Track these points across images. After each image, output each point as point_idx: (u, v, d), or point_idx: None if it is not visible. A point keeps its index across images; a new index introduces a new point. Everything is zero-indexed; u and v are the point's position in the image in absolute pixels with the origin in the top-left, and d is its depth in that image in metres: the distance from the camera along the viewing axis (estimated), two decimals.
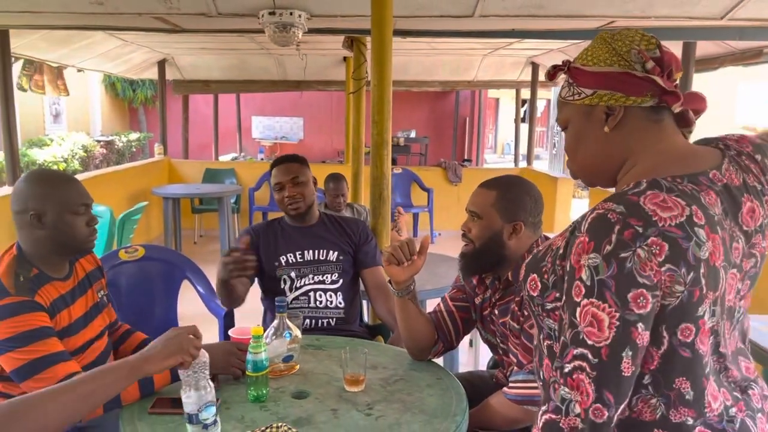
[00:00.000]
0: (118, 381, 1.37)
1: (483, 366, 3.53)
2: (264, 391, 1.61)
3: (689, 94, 1.07)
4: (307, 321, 2.35)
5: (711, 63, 5.07)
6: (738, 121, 17.90)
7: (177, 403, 1.58)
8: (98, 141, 11.19)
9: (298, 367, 1.81)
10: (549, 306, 1.05)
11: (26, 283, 1.62)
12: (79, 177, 6.38)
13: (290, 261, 2.41)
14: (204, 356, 1.45)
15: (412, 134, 12.42)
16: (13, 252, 1.69)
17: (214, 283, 2.36)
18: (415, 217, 7.85)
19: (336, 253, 2.44)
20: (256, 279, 2.47)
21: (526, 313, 1.69)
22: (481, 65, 7.80)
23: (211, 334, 2.71)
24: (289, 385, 1.71)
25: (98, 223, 1.83)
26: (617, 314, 0.92)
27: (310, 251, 2.43)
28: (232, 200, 7.33)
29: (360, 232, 2.53)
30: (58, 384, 1.34)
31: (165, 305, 2.80)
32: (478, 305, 1.91)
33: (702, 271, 0.93)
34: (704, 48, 4.87)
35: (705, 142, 1.12)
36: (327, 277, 2.42)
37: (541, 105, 17.31)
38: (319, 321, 2.37)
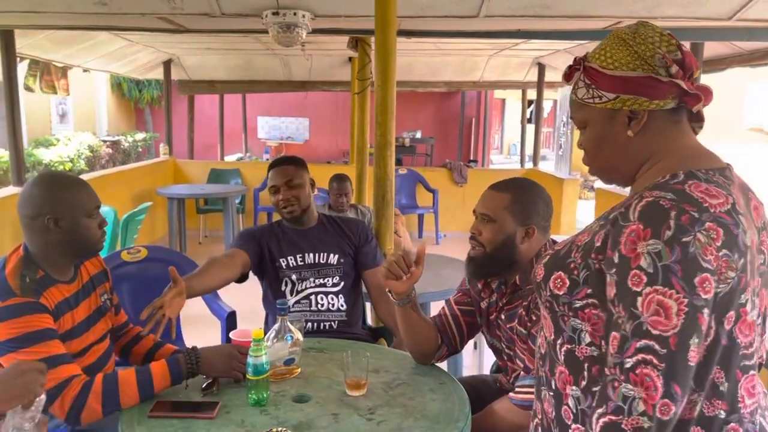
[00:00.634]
0: None
1: (487, 369, 3.52)
2: (264, 395, 1.60)
3: (701, 89, 1.07)
4: (309, 324, 2.33)
5: (719, 64, 5.03)
6: (746, 122, 17.75)
7: (177, 406, 1.58)
8: (104, 141, 11.20)
9: (299, 370, 1.79)
10: (578, 304, 1.04)
11: (32, 284, 1.61)
12: (83, 177, 6.40)
13: (291, 264, 2.39)
14: (42, 399, 1.28)
15: (418, 135, 12.39)
16: (20, 253, 1.69)
17: None
18: (420, 218, 7.82)
19: (336, 255, 2.42)
20: (258, 281, 2.45)
21: (534, 318, 1.66)
22: (487, 66, 7.77)
23: (213, 335, 2.70)
24: (290, 388, 1.69)
25: (107, 224, 1.82)
26: (685, 300, 0.90)
27: (311, 254, 2.41)
28: (237, 201, 7.32)
29: (360, 232, 2.50)
30: None
31: None
32: (484, 309, 1.88)
33: (748, 257, 0.95)
34: (712, 48, 4.83)
35: None
36: (328, 280, 2.40)
37: (547, 106, 17.24)
38: (321, 324, 2.35)
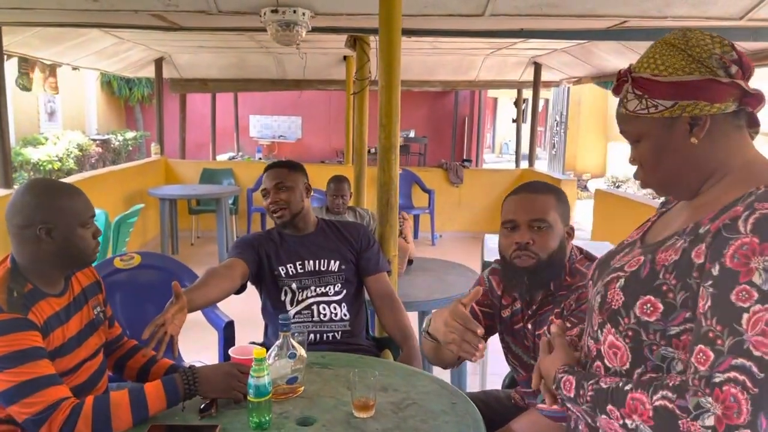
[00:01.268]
0: None
1: (491, 376, 3.45)
2: (267, 418, 1.50)
3: (760, 93, 1.02)
4: (311, 336, 2.24)
5: None
6: None
7: (173, 430, 1.48)
8: (94, 140, 11.06)
9: (302, 389, 1.70)
10: (674, 330, 0.97)
11: (20, 299, 1.52)
12: (73, 178, 6.27)
13: (290, 272, 2.29)
14: None
15: (411, 134, 12.33)
16: (7, 265, 1.59)
17: None
18: (416, 218, 7.75)
19: (338, 262, 2.33)
20: (257, 290, 2.36)
21: (568, 325, 1.57)
22: (483, 65, 7.71)
23: (211, 344, 2.60)
24: (294, 409, 1.60)
25: (101, 234, 1.72)
26: None
27: (311, 261, 2.31)
28: (230, 201, 7.22)
29: (361, 237, 2.41)
30: None
31: None
32: (507, 318, 1.79)
33: None
34: None
35: None
36: (330, 288, 2.30)
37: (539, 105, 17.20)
38: (324, 335, 2.26)
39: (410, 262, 3.40)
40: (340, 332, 2.28)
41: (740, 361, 0.85)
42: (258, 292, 2.38)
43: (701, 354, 0.89)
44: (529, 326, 1.72)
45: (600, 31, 4.02)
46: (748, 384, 0.83)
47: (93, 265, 1.83)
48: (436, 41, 5.67)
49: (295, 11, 3.29)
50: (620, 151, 14.59)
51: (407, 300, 2.69)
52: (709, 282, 0.91)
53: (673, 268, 0.97)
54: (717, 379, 0.86)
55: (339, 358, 1.96)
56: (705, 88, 0.98)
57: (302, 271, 2.30)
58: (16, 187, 4.64)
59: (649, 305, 0.99)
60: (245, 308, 2.75)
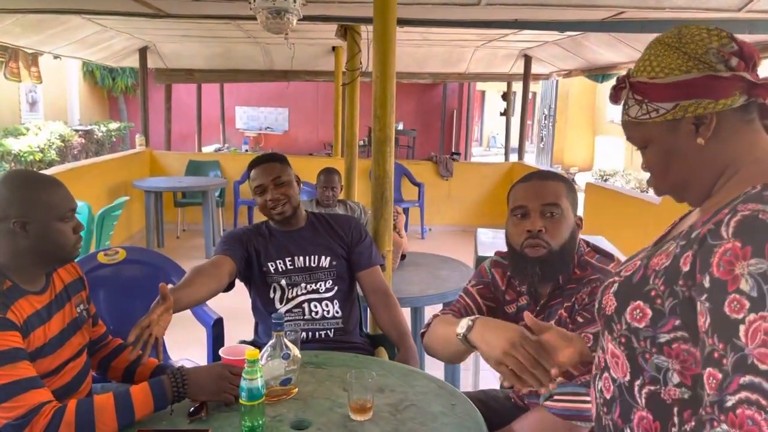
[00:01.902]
0: None
1: (484, 372, 3.40)
2: (260, 422, 1.43)
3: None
4: (304, 334, 2.17)
5: None
6: None
7: None
8: (76, 130, 10.87)
9: (296, 390, 1.63)
10: (664, 338, 0.91)
11: None
12: (55, 169, 6.12)
13: (280, 269, 2.22)
14: None
15: (400, 126, 12.27)
16: None
17: None
18: (406, 212, 7.70)
19: (328, 258, 2.25)
20: (246, 287, 2.28)
21: (580, 320, 1.51)
22: (473, 57, 7.65)
23: (199, 340, 2.53)
24: (288, 412, 1.54)
25: (84, 228, 1.64)
26: None
27: (301, 257, 2.24)
28: (217, 194, 7.11)
29: (352, 230, 2.33)
30: None
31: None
32: (512, 315, 1.72)
33: None
34: None
35: None
36: (321, 285, 2.23)
37: None
38: (317, 333, 2.19)
39: (403, 257, 3.34)
40: (332, 330, 2.21)
41: (748, 378, 0.78)
42: (247, 289, 2.30)
43: (711, 378, 0.83)
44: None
45: (595, 23, 3.97)
46: (763, 402, 0.77)
47: (75, 260, 1.75)
48: (426, 32, 5.60)
49: None
50: (607, 144, 14.65)
51: (400, 296, 2.63)
52: (704, 296, 0.85)
53: (663, 273, 0.92)
54: (729, 403, 0.79)
55: (333, 357, 1.90)
56: (705, 86, 0.93)
57: (292, 267, 2.22)
58: None
59: (638, 311, 0.95)
60: (234, 304, 2.67)
